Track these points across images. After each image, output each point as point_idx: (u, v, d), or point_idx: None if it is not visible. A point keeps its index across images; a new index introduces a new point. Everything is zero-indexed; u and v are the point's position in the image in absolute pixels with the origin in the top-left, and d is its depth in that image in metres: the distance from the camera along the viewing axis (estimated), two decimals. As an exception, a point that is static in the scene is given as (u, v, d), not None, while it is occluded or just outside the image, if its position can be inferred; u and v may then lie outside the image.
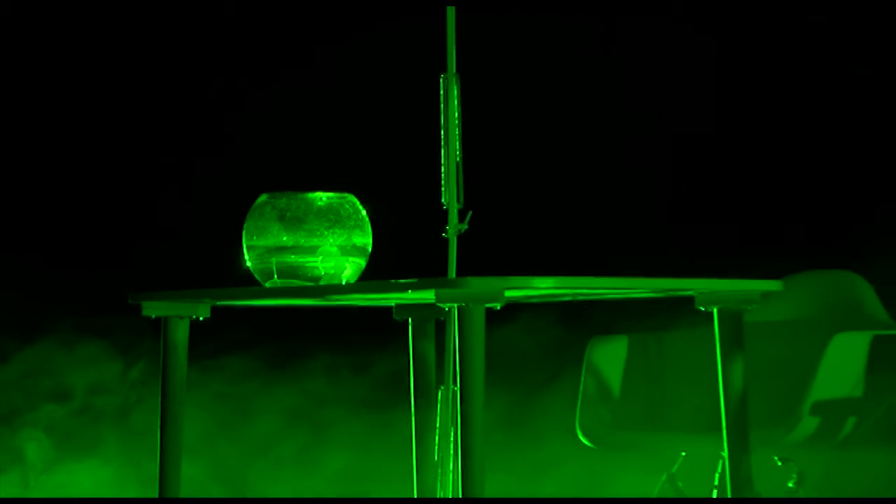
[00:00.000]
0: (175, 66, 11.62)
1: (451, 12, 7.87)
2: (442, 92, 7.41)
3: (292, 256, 6.64)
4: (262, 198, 6.74)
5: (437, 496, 7.54)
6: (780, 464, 8.28)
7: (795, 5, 11.24)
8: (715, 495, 8.40)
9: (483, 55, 8.28)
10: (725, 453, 6.84)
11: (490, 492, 6.36)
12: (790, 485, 8.37)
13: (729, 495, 7.05)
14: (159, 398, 7.10)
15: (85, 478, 10.00)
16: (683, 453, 8.40)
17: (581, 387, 8.47)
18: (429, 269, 7.30)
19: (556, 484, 9.12)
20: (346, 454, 9.77)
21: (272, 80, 10.81)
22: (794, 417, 7.99)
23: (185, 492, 7.45)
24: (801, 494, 8.53)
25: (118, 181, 11.14)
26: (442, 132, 7.41)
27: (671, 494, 8.57)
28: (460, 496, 6.38)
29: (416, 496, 7.76)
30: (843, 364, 8.25)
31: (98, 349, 9.94)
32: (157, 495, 7.37)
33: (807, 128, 10.87)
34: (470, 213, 7.30)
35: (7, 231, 11.01)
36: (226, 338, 8.72)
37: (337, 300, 7.14)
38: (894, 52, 11.18)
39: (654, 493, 8.62)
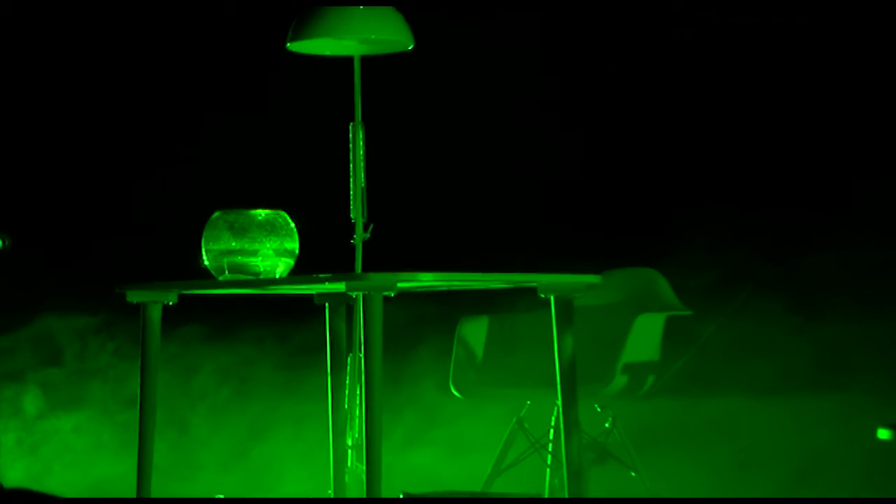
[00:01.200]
0: (145, 97, 11.25)
1: (357, 65, 8.08)
2: (351, 136, 7.79)
3: (239, 257, 6.89)
4: (216, 214, 7.00)
5: (347, 435, 7.87)
6: (599, 410, 8.56)
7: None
8: (551, 435, 8.58)
9: (385, 98, 8.48)
10: (559, 403, 7.19)
11: (386, 430, 6.76)
12: (606, 425, 8.65)
13: (562, 435, 7.31)
14: (140, 362, 7.33)
15: (68, 423, 9.95)
16: (528, 402, 8.66)
17: (453, 354, 8.73)
18: (341, 267, 7.70)
19: (432, 426, 9.17)
20: (266, 402, 9.78)
21: (226, 117, 10.53)
22: (609, 376, 8.32)
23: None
24: (615, 434, 8.70)
25: (103, 195, 10.92)
26: (351, 165, 7.81)
27: (520, 434, 8.71)
28: (364, 434, 6.69)
29: (330, 435, 7.97)
30: (644, 337, 8.58)
31: (86, 324, 9.92)
32: (136, 434, 7.45)
33: (617, 157, 10.77)
34: (372, 225, 7.78)
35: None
36: (181, 316, 8.28)
37: (272, 290, 7.47)
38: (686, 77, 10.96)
39: (506, 434, 8.74)
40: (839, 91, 10.64)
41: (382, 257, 7.69)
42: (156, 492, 7.61)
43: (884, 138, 10.46)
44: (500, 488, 8.60)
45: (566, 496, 7.24)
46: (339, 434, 8.03)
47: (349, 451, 7.94)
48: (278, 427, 9.66)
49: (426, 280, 6.72)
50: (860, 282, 9.42)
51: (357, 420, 7.72)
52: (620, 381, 8.49)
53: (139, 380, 7.46)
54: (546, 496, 8.02)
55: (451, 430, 9.30)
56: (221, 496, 9.32)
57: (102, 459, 9.76)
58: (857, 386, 9.06)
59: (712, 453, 9.18)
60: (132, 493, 7.43)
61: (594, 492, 8.10)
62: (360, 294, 6.74)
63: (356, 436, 7.83)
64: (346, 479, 7.97)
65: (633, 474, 8.58)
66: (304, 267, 7.20)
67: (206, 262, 7.06)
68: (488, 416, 9.18)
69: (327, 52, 8.00)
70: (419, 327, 9.06)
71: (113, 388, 9.93)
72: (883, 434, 5.30)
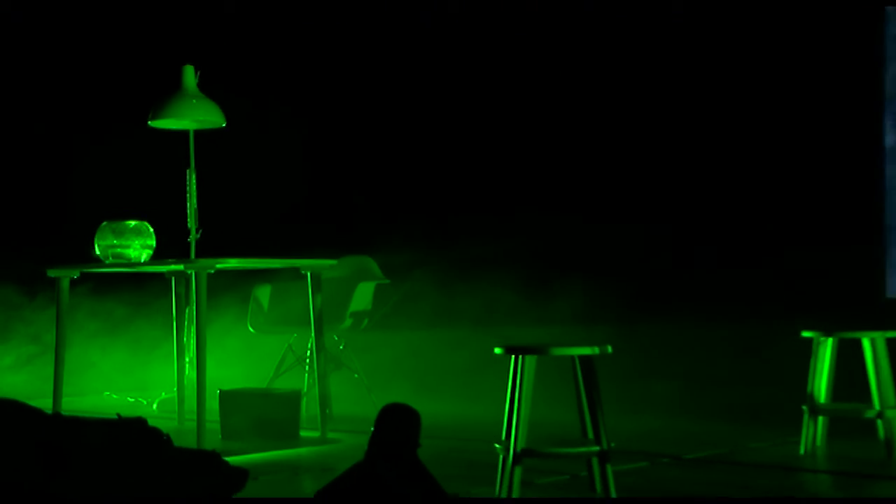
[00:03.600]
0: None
1: (191, 135, 8.16)
2: (187, 177, 8.02)
3: (118, 249, 7.26)
4: (104, 223, 7.32)
5: (185, 355, 8.15)
6: (336, 339, 8.72)
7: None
8: (308, 354, 8.42)
9: (208, 152, 8.30)
10: (312, 335, 7.59)
11: (208, 352, 7.12)
12: (340, 347, 8.86)
13: (314, 353, 7.63)
14: (55, 318, 7.68)
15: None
16: (295, 335, 8.79)
17: (250, 307, 8.86)
18: (181, 255, 7.88)
19: (237, 351, 9.14)
20: (134, 334, 9.55)
21: (110, 156, 10.17)
22: (342, 318, 8.60)
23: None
24: (346, 352, 8.93)
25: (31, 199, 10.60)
26: (187, 193, 8.03)
27: (290, 354, 8.89)
28: (195, 355, 7.12)
29: (174, 354, 8.25)
30: (362, 296, 8.79)
31: (13, 291, 9.62)
32: (51, 370, 7.74)
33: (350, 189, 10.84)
34: (200, 230, 7.99)
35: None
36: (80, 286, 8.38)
37: (139, 269, 7.59)
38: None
39: (281, 353, 8.92)
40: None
41: (207, 250, 7.90)
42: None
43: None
44: (278, 384, 8.61)
45: (317, 392, 7.49)
46: (180, 355, 8.28)
47: (186, 365, 8.17)
48: (143, 348, 9.55)
49: (231, 263, 7.23)
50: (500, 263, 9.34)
51: (191, 346, 7.80)
52: (348, 321, 8.71)
53: (55, 324, 7.68)
54: (304, 390, 8.02)
55: (250, 352, 9.31)
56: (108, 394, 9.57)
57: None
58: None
59: (400, 364, 9.35)
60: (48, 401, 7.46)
61: (334, 384, 8.15)
62: (193, 271, 7.05)
63: (191, 355, 7.93)
64: (185, 381, 8.18)
65: (356, 376, 8.75)
66: (159, 255, 7.44)
67: (98, 252, 7.33)
68: (271, 343, 9.14)
69: (174, 127, 8.07)
70: (229, 290, 8.99)
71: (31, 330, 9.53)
72: (498, 350, 5.38)
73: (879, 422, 6.66)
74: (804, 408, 6.80)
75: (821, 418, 6.82)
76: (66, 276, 7.60)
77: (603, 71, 10.03)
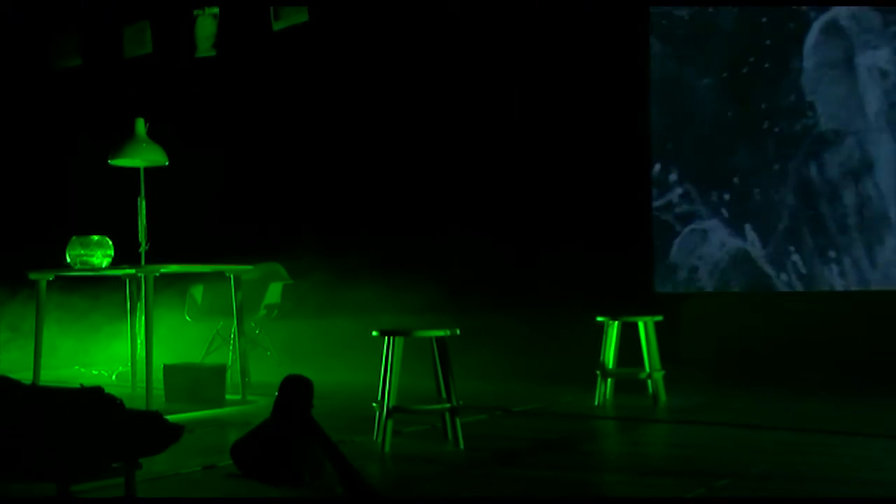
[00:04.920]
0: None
1: (142, 171, 7.74)
2: (138, 203, 7.72)
3: (85, 257, 7.11)
4: (73, 237, 7.13)
5: (138, 339, 7.81)
6: (254, 325, 8.55)
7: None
8: (231, 341, 8.17)
9: (154, 183, 7.97)
10: (234, 324, 7.54)
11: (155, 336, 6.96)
12: (257, 332, 8.70)
13: (236, 336, 7.57)
14: (34, 310, 7.41)
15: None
16: (221, 322, 8.55)
17: (186, 301, 8.73)
18: (134, 261, 7.48)
19: (176, 336, 8.64)
20: (90, 330, 9.10)
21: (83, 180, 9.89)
22: (258, 310, 8.53)
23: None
24: (262, 335, 8.73)
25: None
26: (138, 215, 7.71)
27: (218, 337, 8.67)
28: (144, 338, 7.00)
29: (128, 337, 7.99)
30: (274, 292, 8.68)
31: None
32: (25, 351, 7.54)
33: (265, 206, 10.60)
34: (149, 244, 7.68)
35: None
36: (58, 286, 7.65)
37: (100, 273, 7.20)
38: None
39: (210, 337, 8.69)
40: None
41: (153, 258, 7.59)
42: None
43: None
44: (209, 360, 8.41)
45: (238, 366, 7.41)
46: (133, 338, 7.98)
47: (138, 345, 7.88)
48: (103, 333, 9.07)
49: (172, 268, 7.09)
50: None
51: (141, 331, 7.51)
52: (262, 312, 8.64)
53: (35, 315, 7.40)
54: (229, 364, 7.74)
55: (187, 336, 8.93)
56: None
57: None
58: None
59: (301, 344, 9.15)
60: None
61: (251, 359, 7.88)
62: (143, 274, 6.95)
63: (141, 338, 7.64)
64: (136, 358, 7.86)
65: (268, 353, 8.64)
66: (116, 262, 7.26)
67: (69, 260, 7.15)
68: (203, 328, 8.90)
69: (128, 164, 7.78)
70: (171, 289, 8.51)
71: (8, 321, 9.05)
72: (375, 333, 5.36)
73: (649, 381, 6.85)
74: (597, 372, 6.92)
75: (609, 380, 6.94)
76: (43, 278, 7.37)
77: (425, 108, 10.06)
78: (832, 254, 8.92)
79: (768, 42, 9.20)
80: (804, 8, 9.05)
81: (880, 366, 8.02)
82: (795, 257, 9.05)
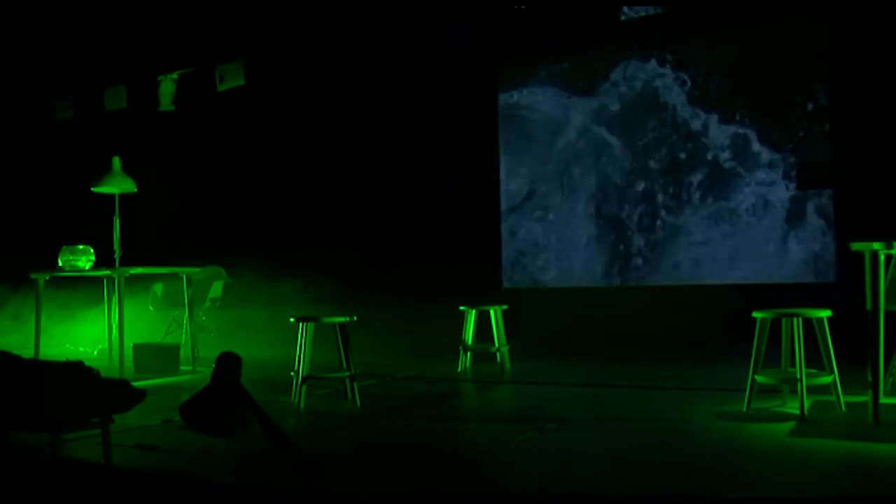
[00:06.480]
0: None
1: (117, 198, 7.41)
2: (114, 221, 7.39)
3: (73, 262, 6.91)
4: (64, 247, 6.92)
5: (112, 326, 7.41)
6: (201, 314, 8.35)
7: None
8: (184, 326, 7.72)
9: (128, 205, 7.66)
10: (186, 313, 7.24)
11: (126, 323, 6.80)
12: (203, 318, 8.50)
13: (187, 323, 7.28)
14: (34, 303, 7.12)
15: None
16: (177, 312, 8.41)
17: (150, 296, 8.55)
18: (110, 265, 7.09)
19: (139, 324, 8.47)
20: (75, 317, 8.77)
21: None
22: (203, 302, 8.31)
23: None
24: (207, 321, 8.48)
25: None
26: (114, 228, 7.40)
27: (174, 325, 8.37)
28: (118, 329, 6.61)
29: (106, 325, 7.60)
30: (216, 289, 8.57)
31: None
32: (30, 337, 7.16)
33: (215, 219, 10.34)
34: (122, 252, 7.32)
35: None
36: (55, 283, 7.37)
37: (84, 273, 6.91)
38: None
39: (167, 323, 8.42)
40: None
41: (125, 262, 7.35)
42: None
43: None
44: (167, 340, 8.15)
45: (190, 345, 7.15)
46: (109, 324, 7.63)
47: (113, 329, 7.51)
48: (86, 319, 8.79)
49: (139, 270, 6.85)
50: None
51: (115, 318, 7.12)
52: (208, 304, 8.47)
53: (35, 306, 7.11)
54: (182, 343, 7.46)
55: (151, 322, 8.82)
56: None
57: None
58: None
59: (237, 328, 8.87)
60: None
61: (200, 340, 7.69)
62: (116, 275, 6.71)
63: (115, 324, 7.16)
64: (112, 339, 7.53)
65: (212, 335, 8.48)
66: (96, 265, 7.04)
67: (60, 264, 6.96)
68: (163, 317, 8.75)
69: (106, 192, 7.51)
70: (138, 285, 8.33)
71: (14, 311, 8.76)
72: (292, 320, 5.24)
73: (498, 354, 6.82)
74: (460, 348, 6.89)
75: (469, 353, 6.90)
76: (41, 277, 7.10)
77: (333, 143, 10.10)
78: (638, 258, 8.96)
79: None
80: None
81: (658, 339, 8.13)
82: (605, 259, 9.10)
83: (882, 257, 4.28)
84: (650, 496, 3.13)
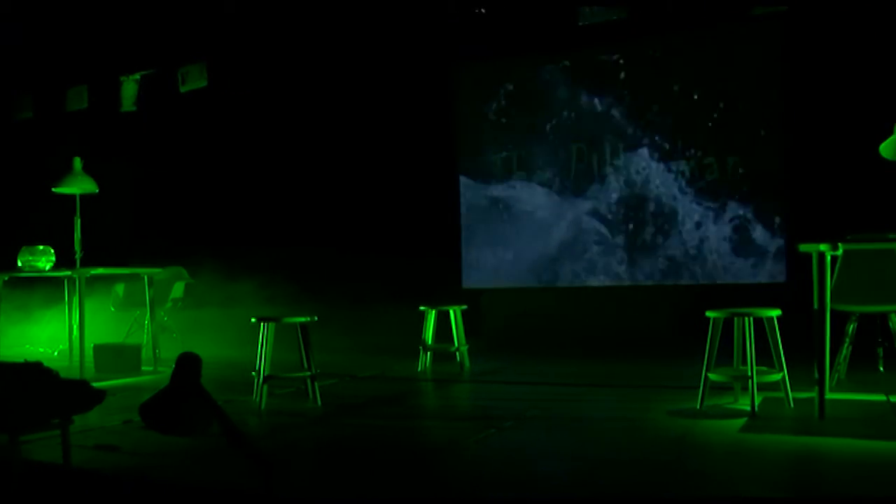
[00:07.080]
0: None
1: (78, 200, 7.32)
2: (75, 223, 7.30)
3: (32, 263, 6.82)
4: (24, 247, 6.85)
5: (74, 324, 7.31)
6: (162, 314, 8.20)
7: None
8: (146, 326, 7.67)
9: (89, 207, 7.55)
10: (148, 313, 7.14)
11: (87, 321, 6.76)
12: (165, 319, 8.33)
13: (149, 321, 7.21)
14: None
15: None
16: (138, 312, 8.22)
17: (112, 296, 8.42)
18: (71, 265, 6.99)
19: (104, 322, 8.42)
20: (34, 318, 8.63)
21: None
22: (165, 302, 8.21)
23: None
24: (169, 321, 8.33)
25: None
26: (75, 229, 7.32)
27: (136, 325, 8.31)
28: (79, 329, 6.58)
29: (66, 322, 7.51)
30: (180, 289, 8.40)
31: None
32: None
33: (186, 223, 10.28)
34: (82, 252, 7.23)
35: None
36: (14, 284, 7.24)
37: (44, 274, 6.85)
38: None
39: (131, 321, 8.32)
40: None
41: (85, 262, 7.22)
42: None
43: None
44: (129, 340, 8.07)
45: (151, 345, 7.09)
46: (70, 324, 7.53)
47: (74, 329, 7.44)
48: (45, 320, 8.68)
49: (100, 271, 6.77)
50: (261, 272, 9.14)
51: (76, 319, 7.10)
52: (169, 304, 8.37)
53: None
54: (144, 343, 7.52)
55: (112, 322, 8.68)
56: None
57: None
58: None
59: (199, 329, 8.76)
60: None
61: (161, 340, 7.60)
62: (77, 276, 6.65)
63: (76, 324, 7.13)
64: (73, 339, 7.51)
65: (174, 335, 8.36)
66: (57, 266, 6.96)
67: (20, 264, 6.89)
68: (124, 317, 8.62)
69: (67, 192, 7.36)
70: (99, 285, 8.18)
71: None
72: (253, 320, 5.17)
73: (457, 353, 6.85)
74: (420, 347, 6.88)
75: (429, 353, 6.90)
76: (0, 278, 7.02)
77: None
78: (595, 259, 8.97)
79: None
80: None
81: (618, 340, 8.16)
82: (564, 260, 9.08)
83: (828, 258, 4.39)
84: (607, 494, 3.15)
